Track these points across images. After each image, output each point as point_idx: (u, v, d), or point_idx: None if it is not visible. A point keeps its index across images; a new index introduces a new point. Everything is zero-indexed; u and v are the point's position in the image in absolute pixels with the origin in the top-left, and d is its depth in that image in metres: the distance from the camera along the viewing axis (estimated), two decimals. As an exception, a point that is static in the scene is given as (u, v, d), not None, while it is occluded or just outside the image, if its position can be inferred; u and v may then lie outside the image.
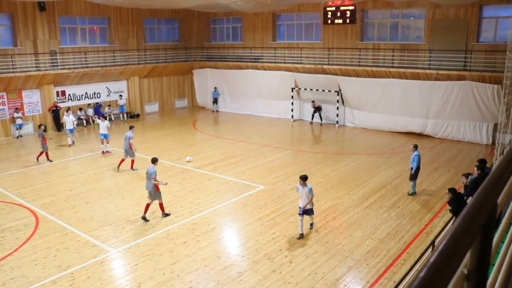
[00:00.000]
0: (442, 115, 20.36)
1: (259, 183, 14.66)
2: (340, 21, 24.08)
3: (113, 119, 25.48)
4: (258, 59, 27.64)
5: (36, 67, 22.97)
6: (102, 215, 12.16)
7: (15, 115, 21.91)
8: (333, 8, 24.08)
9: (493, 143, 18.19)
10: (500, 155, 13.39)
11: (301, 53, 25.87)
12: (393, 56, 22.37)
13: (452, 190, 9.54)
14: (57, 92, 23.84)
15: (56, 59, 23.72)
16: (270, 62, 26.80)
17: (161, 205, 11.90)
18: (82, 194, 13.83)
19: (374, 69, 22.34)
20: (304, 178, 10.45)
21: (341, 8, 23.85)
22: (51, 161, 17.44)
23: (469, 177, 10.32)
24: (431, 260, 1.01)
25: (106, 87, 26.17)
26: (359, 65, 23.11)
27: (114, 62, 26.32)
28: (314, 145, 20.57)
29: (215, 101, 29.05)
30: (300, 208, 10.59)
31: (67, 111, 20.56)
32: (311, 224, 11.03)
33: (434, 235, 9.52)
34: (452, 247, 1.07)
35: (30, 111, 22.90)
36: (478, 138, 19.65)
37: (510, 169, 1.62)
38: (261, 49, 27.98)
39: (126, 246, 10.32)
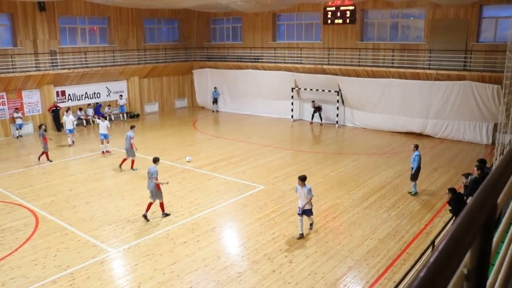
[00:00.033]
0: (442, 115, 20.37)
1: (259, 183, 14.66)
2: (340, 21, 24.09)
3: (113, 119, 25.48)
4: (258, 59, 27.64)
5: (36, 67, 22.97)
6: (102, 215, 12.16)
7: (15, 115, 21.91)
8: (333, 8, 24.09)
9: (493, 143, 18.19)
10: (500, 155, 13.39)
11: (301, 53, 25.87)
12: (393, 56, 22.37)
13: (452, 190, 9.55)
14: (57, 92, 23.84)
15: (56, 59, 23.72)
16: (270, 62, 26.80)
17: (161, 205, 11.92)
18: (82, 194, 13.83)
19: (374, 69, 22.34)
20: (303, 179, 10.44)
21: (341, 8, 23.86)
22: (51, 161, 17.44)
23: (469, 177, 10.33)
24: (431, 260, 1.01)
25: (106, 87, 26.17)
26: (359, 65, 23.11)
27: (114, 62, 26.33)
28: (314, 145, 20.57)
29: (215, 101, 29.06)
30: (299, 208, 10.59)
31: (66, 111, 20.55)
32: (311, 224, 11.02)
33: (434, 235, 9.52)
34: (452, 247, 1.07)
35: (30, 111, 22.90)
36: (478, 138, 19.65)
37: (510, 169, 1.62)
38: (261, 49, 27.98)
39: (126, 246, 10.32)
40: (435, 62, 20.85)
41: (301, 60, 25.74)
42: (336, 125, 23.77)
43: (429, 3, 20.63)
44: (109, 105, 25.85)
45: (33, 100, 22.95)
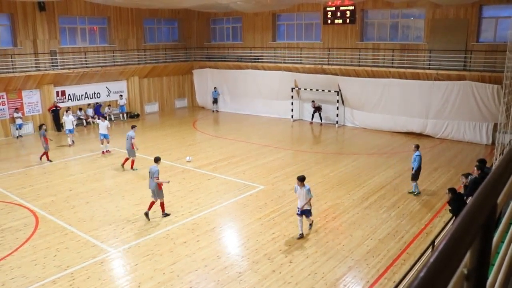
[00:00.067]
0: (442, 115, 20.37)
1: (259, 183, 14.66)
2: (340, 21, 24.09)
3: (113, 119, 25.48)
4: (258, 59, 27.64)
5: (36, 67, 22.97)
6: (102, 215, 12.16)
7: (15, 115, 21.91)
8: (333, 8, 24.09)
9: (493, 143, 18.19)
10: (500, 155, 13.39)
11: (301, 53, 25.87)
12: (393, 56, 22.37)
13: (452, 190, 9.55)
14: (57, 92, 23.85)
15: (56, 59, 23.72)
16: (270, 62, 26.80)
17: (162, 205, 11.93)
18: (82, 194, 13.83)
19: (374, 69, 22.34)
20: (301, 179, 10.40)
21: (341, 8, 23.86)
22: (51, 161, 17.44)
23: (469, 177, 10.33)
24: (431, 260, 1.01)
25: (106, 87, 26.17)
26: (359, 65, 23.11)
27: (114, 62, 26.33)
28: (314, 145, 20.57)
29: (215, 101, 29.06)
30: (298, 208, 10.56)
31: (66, 111, 20.55)
32: (310, 225, 10.99)
33: (434, 235, 9.52)
34: (452, 247, 1.08)
35: (30, 111, 22.90)
36: (478, 138, 19.65)
37: (510, 169, 1.62)
38: (261, 49, 27.98)
39: (126, 246, 10.32)
40: (435, 62, 20.86)
41: (301, 60, 25.74)
42: (336, 125, 23.77)
43: (429, 3, 20.63)
44: (109, 105, 25.85)
45: (33, 100, 22.95)
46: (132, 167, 16.26)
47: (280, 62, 26.28)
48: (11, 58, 21.81)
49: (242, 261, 9.60)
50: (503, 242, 2.00)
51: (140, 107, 27.73)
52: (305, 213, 10.55)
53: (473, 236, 1.18)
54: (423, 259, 8.03)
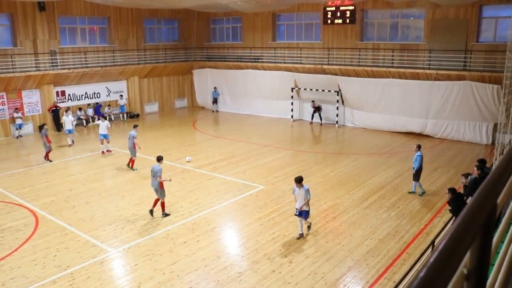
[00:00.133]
0: (442, 115, 20.37)
1: (259, 183, 14.66)
2: (340, 21, 24.09)
3: (113, 119, 25.48)
4: (258, 59, 27.64)
5: (36, 67, 22.97)
6: (102, 215, 12.16)
7: (15, 115, 21.91)
8: (333, 8, 24.09)
9: (493, 143, 18.20)
10: (500, 155, 13.39)
11: (301, 53, 25.87)
12: (393, 56, 22.37)
13: (452, 190, 9.55)
14: (57, 92, 23.84)
15: (56, 59, 23.72)
16: (270, 62, 26.80)
17: (162, 204, 11.94)
18: (82, 194, 13.83)
19: (374, 69, 22.34)
20: (299, 181, 10.29)
21: (341, 8, 23.86)
22: (51, 161, 17.43)
23: (469, 177, 10.33)
24: (431, 260, 1.01)
25: (106, 87, 26.17)
26: (359, 65, 23.11)
27: (114, 62, 26.33)
28: (314, 145, 20.57)
29: (215, 101, 29.06)
30: (296, 209, 10.51)
31: (66, 111, 20.55)
32: (308, 227, 10.82)
33: (434, 235, 9.52)
34: (452, 247, 1.08)
35: (30, 111, 22.90)
36: (478, 138, 19.65)
37: (510, 169, 1.62)
38: (261, 49, 27.98)
39: (126, 246, 10.33)
40: (435, 62, 20.86)
41: (301, 60, 25.74)
42: (336, 125, 23.77)
43: (429, 3, 20.63)
44: (109, 105, 25.85)
45: (33, 100, 22.95)
46: (132, 167, 16.26)
47: (280, 62, 26.27)
48: (11, 58, 21.81)
49: (242, 261, 9.60)
50: (503, 242, 2.00)
51: (140, 107, 27.73)
52: (303, 214, 10.44)
53: (473, 236, 1.18)
54: (423, 259, 8.03)
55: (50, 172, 16.32)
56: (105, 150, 18.54)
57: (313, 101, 24.29)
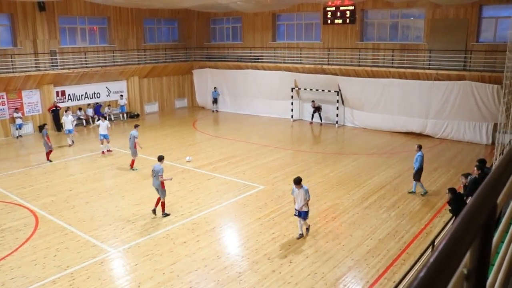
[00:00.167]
0: (442, 115, 20.37)
1: (259, 183, 14.66)
2: (340, 21, 24.09)
3: (113, 119, 25.48)
4: (258, 59, 27.64)
5: (36, 67, 22.97)
6: (102, 215, 12.16)
7: (15, 115, 21.90)
8: (333, 8, 24.09)
9: (493, 143, 18.20)
10: (500, 155, 13.39)
11: (301, 53, 25.87)
12: (393, 56, 22.37)
13: (452, 190, 9.55)
14: (57, 92, 23.84)
15: (56, 59, 23.72)
16: (270, 62, 26.80)
17: (163, 204, 11.95)
18: (82, 194, 13.83)
19: (374, 69, 22.34)
20: (297, 182, 10.19)
21: (341, 8, 23.86)
22: (50, 161, 17.44)
23: (469, 177, 10.33)
24: (431, 260, 1.01)
25: (106, 87, 26.17)
26: (359, 65, 23.11)
27: (114, 62, 26.33)
28: (314, 145, 20.57)
29: (215, 101, 29.06)
30: (296, 210, 10.46)
31: (66, 111, 20.55)
32: (307, 229, 10.71)
33: (434, 235, 9.52)
34: (452, 247, 1.08)
35: (30, 111, 22.90)
36: (478, 138, 19.65)
37: (510, 169, 1.62)
38: (261, 49, 27.98)
39: (126, 246, 10.33)
40: (435, 62, 20.86)
41: (301, 60, 25.74)
42: (336, 125, 23.77)
43: (429, 3, 20.63)
44: (109, 105, 25.85)
45: (33, 100, 22.95)
46: (132, 167, 16.27)
47: (280, 62, 26.27)
48: (11, 58, 21.81)
49: (242, 261, 9.60)
50: (503, 242, 2.00)
51: (140, 107, 27.73)
52: (302, 214, 10.38)
53: (473, 236, 1.18)
54: (423, 259, 8.03)
55: (50, 172, 16.32)
56: (105, 150, 18.54)
57: (313, 101, 24.29)
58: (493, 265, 1.78)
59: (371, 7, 23.69)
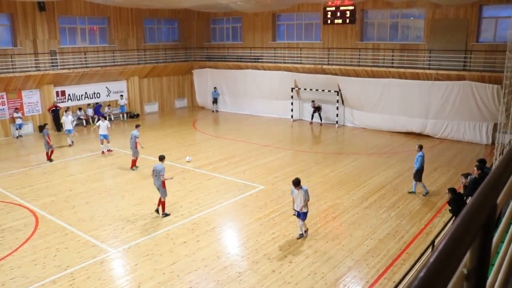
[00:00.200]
0: (441, 115, 20.37)
1: (259, 183, 14.66)
2: (340, 21, 24.09)
3: (113, 119, 25.47)
4: (258, 59, 27.64)
5: (35, 67, 22.97)
6: (102, 215, 12.16)
7: (15, 115, 21.90)
8: (333, 8, 24.09)
9: (493, 143, 18.19)
10: (499, 155, 13.39)
11: (301, 53, 25.87)
12: (392, 56, 22.37)
13: (452, 190, 9.55)
14: (57, 92, 23.84)
15: (56, 59, 23.71)
16: (270, 62, 26.80)
17: (163, 204, 11.96)
18: (82, 194, 13.83)
19: (374, 69, 22.34)
20: (296, 183, 10.10)
21: (341, 8, 23.86)
22: (51, 161, 17.44)
23: (469, 177, 10.33)
24: (431, 260, 1.01)
25: (106, 87, 26.17)
26: (359, 65, 23.11)
27: (114, 62, 26.33)
28: (314, 145, 20.57)
29: (215, 101, 29.06)
30: (295, 211, 10.39)
31: (66, 111, 20.55)
32: (305, 231, 10.57)
33: (434, 235, 9.52)
34: (452, 247, 1.08)
35: (30, 111, 22.89)
36: (478, 138, 19.65)
37: (510, 169, 1.62)
38: (261, 49, 27.98)
39: (126, 246, 10.33)
40: (435, 62, 20.86)
41: (301, 60, 25.74)
42: (336, 125, 23.77)
43: (429, 3, 20.63)
44: (109, 105, 25.85)
45: (33, 100, 22.95)
46: (132, 167, 16.28)
47: (280, 62, 26.27)
48: (11, 58, 21.81)
49: (242, 261, 9.60)
50: (503, 242, 2.00)
51: (140, 107, 27.73)
52: (301, 215, 10.30)
53: (473, 236, 1.18)
54: (423, 259, 8.03)
55: (50, 172, 16.32)
56: (105, 150, 18.54)
57: (313, 101, 24.29)
58: (493, 265, 1.78)
59: (371, 7, 23.69)
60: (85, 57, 25.09)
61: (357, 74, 23.02)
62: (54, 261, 9.63)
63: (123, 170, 16.21)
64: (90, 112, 25.00)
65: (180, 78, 30.26)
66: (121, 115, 26.26)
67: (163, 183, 11.80)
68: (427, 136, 20.82)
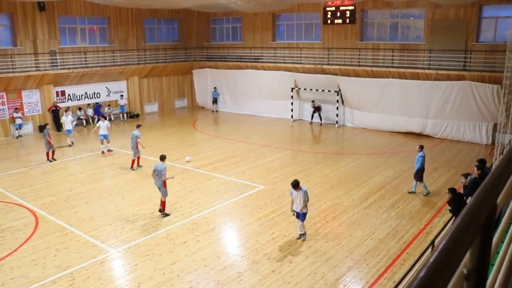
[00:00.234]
0: (441, 115, 20.37)
1: (259, 183, 14.66)
2: (340, 21, 24.09)
3: (112, 119, 25.47)
4: (258, 59, 27.64)
5: (35, 67, 22.97)
6: (102, 215, 12.16)
7: (15, 115, 21.90)
8: (333, 8, 24.09)
9: (493, 143, 18.20)
10: (499, 155, 13.39)
11: (300, 53, 25.87)
12: (392, 56, 22.37)
13: (452, 190, 9.55)
14: (57, 92, 23.84)
15: (56, 59, 23.71)
16: (270, 62, 26.80)
17: (163, 204, 11.95)
18: (82, 194, 13.83)
19: (374, 69, 22.34)
20: (295, 185, 10.04)
21: (341, 8, 23.86)
22: (51, 161, 17.45)
23: (469, 177, 10.33)
24: (431, 260, 1.01)
25: (106, 87, 26.17)
26: (359, 65, 23.11)
27: (113, 62, 26.32)
28: (314, 145, 20.57)
29: (215, 101, 29.06)
30: (295, 211, 10.34)
31: (66, 111, 20.55)
32: (303, 234, 10.47)
33: (434, 235, 9.52)
34: (452, 247, 1.08)
35: (30, 111, 22.89)
36: (478, 138, 19.65)
37: (510, 169, 1.62)
38: (260, 49, 27.98)
39: (126, 246, 10.33)
40: (435, 62, 20.86)
41: (301, 60, 25.74)
42: (336, 125, 23.77)
43: (429, 3, 20.63)
44: (109, 105, 25.85)
45: (33, 100, 22.94)
46: (132, 167, 16.28)
47: (280, 62, 26.27)
48: (11, 58, 21.81)
49: (242, 261, 9.60)
50: (503, 242, 2.00)
51: (140, 107, 27.73)
52: (300, 216, 10.25)
53: (473, 236, 1.18)
54: (423, 259, 8.03)
55: (50, 172, 16.32)
56: (105, 150, 18.54)
57: (313, 101, 24.29)
58: (493, 265, 1.78)
59: (371, 7, 23.69)
60: (85, 57, 25.09)
61: (357, 74, 23.02)
62: (54, 261, 9.63)
63: (123, 170, 16.21)
64: (90, 112, 25.00)
65: (180, 78, 30.26)
66: (121, 115, 26.26)
67: (164, 182, 11.81)
68: (427, 136, 20.82)
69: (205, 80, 29.70)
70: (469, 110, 19.57)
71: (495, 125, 18.36)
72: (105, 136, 18.26)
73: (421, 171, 13.28)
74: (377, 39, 23.99)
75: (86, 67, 24.75)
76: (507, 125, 13.95)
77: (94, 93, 25.66)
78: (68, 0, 24.13)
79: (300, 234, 10.53)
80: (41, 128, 17.43)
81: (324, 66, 23.97)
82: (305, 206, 10.20)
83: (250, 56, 28.00)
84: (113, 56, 26.36)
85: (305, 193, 10.14)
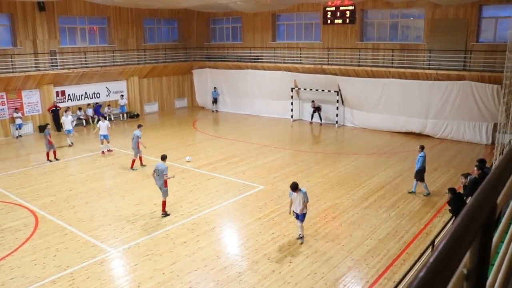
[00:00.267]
0: (441, 115, 20.37)
1: (258, 183, 14.66)
2: (340, 21, 24.09)
3: (112, 119, 25.47)
4: (258, 59, 27.64)
5: (35, 67, 22.96)
6: (102, 215, 12.16)
7: (15, 115, 21.90)
8: (333, 8, 24.09)
9: (493, 143, 18.19)
10: (499, 155, 13.39)
11: (300, 53, 25.87)
12: (392, 56, 22.37)
13: (451, 190, 9.55)
14: (57, 92, 23.83)
15: (56, 59, 23.71)
16: (270, 62, 26.80)
17: (164, 203, 11.95)
18: (82, 194, 13.83)
19: (374, 69, 22.34)
20: (294, 187, 9.97)
21: (341, 8, 23.86)
22: (50, 161, 17.44)
23: (468, 177, 10.33)
24: (431, 260, 1.01)
25: (106, 87, 26.16)
26: (359, 65, 23.11)
27: (113, 62, 26.32)
28: (314, 145, 20.57)
29: (215, 101, 29.06)
30: (294, 212, 10.31)
31: (65, 112, 20.55)
32: (302, 237, 10.40)
33: (434, 235, 9.52)
34: (452, 247, 1.07)
35: (30, 111, 22.89)
36: (478, 138, 19.65)
37: (510, 169, 1.62)
38: (260, 49, 27.98)
39: (126, 246, 10.32)
40: (434, 62, 20.86)
41: (300, 60, 25.74)
42: (336, 125, 23.77)
43: (429, 3, 20.63)
44: (108, 105, 25.85)
45: (32, 100, 22.94)
46: (132, 167, 16.27)
47: (280, 62, 26.27)
48: (11, 58, 21.80)
49: (242, 261, 9.60)
50: (503, 242, 2.00)
51: (140, 107, 27.73)
52: (300, 217, 10.21)
53: (473, 236, 1.18)
54: (423, 259, 8.02)
55: (50, 172, 16.32)
56: (105, 150, 18.54)
57: (313, 101, 24.29)
58: (493, 265, 1.78)
59: (371, 7, 23.70)
60: (85, 57, 25.09)
61: (357, 74, 23.02)
62: (54, 261, 9.63)
63: (123, 170, 16.20)
64: (90, 112, 25.00)
65: (180, 78, 30.26)
66: (121, 115, 26.26)
67: (165, 182, 11.81)
68: (427, 136, 20.82)
69: (205, 80, 29.70)
70: (469, 110, 19.58)
71: (495, 125, 18.36)
72: (105, 136, 18.26)
73: (421, 171, 13.28)
74: (377, 39, 23.99)
75: (86, 67, 24.75)
76: (507, 125, 13.94)
77: (94, 93, 25.66)
78: (68, 0, 24.13)
79: (300, 235, 10.52)
80: (41, 128, 17.43)
81: (324, 66, 23.97)
82: (305, 207, 10.18)
83: (250, 56, 28.00)
84: (113, 56, 26.36)
85: (305, 194, 10.10)
